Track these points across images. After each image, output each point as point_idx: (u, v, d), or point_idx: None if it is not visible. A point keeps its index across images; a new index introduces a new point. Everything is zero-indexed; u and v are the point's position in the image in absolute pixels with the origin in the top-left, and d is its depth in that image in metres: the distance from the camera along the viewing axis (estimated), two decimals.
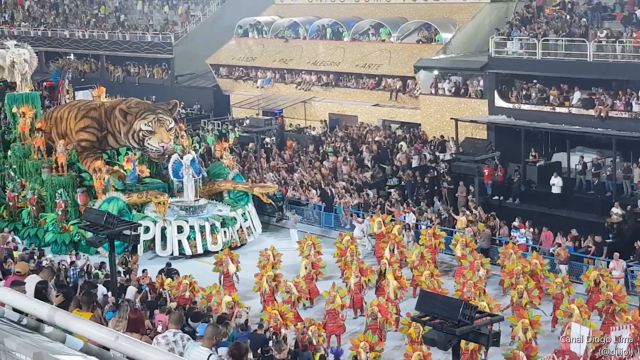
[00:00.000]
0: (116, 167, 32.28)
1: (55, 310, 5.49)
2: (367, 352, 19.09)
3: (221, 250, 27.90)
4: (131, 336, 9.25)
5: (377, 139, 41.27)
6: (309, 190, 35.44)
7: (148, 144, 30.49)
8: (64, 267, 24.19)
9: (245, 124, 46.63)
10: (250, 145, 42.99)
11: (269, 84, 50.59)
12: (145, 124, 30.39)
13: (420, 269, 25.00)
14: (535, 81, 37.63)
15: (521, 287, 22.40)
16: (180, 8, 61.63)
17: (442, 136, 39.91)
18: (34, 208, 31.66)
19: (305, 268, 25.65)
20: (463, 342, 13.77)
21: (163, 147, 30.55)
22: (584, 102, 35.30)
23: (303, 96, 48.29)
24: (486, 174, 34.13)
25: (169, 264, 26.24)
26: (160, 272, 25.29)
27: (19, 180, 32.94)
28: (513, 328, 20.56)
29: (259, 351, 16.63)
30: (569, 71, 35.87)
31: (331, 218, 33.76)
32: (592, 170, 32.89)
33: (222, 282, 25.03)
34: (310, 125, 46.55)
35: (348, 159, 39.03)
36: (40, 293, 11.45)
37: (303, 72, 49.30)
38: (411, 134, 41.56)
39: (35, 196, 31.58)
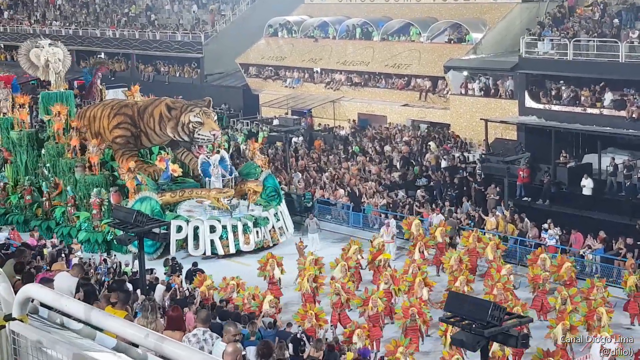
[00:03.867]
0: (152, 164, 32.47)
1: (87, 308, 5.52)
2: (406, 357, 18.99)
3: (256, 250, 27.83)
4: (173, 334, 9.32)
5: (405, 139, 41.18)
6: (337, 190, 35.44)
7: (199, 134, 30.95)
8: (94, 263, 24.41)
9: (274, 124, 46.72)
10: (279, 144, 43.06)
11: (298, 84, 50.66)
12: (194, 116, 30.90)
13: (455, 274, 24.66)
14: (562, 82, 37.36)
15: (565, 294, 22.02)
16: (210, 7, 61.87)
17: (464, 138, 39.94)
18: (70, 208, 31.94)
19: (341, 272, 25.21)
20: None
21: (214, 135, 31.14)
22: (616, 103, 34.99)
23: (332, 96, 48.30)
24: (521, 175, 33.84)
25: (195, 264, 26.30)
26: (188, 272, 25.40)
27: (52, 178, 33.24)
28: (550, 330, 20.38)
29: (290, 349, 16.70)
30: (600, 72, 35.57)
31: (359, 218, 33.72)
32: (624, 171, 32.58)
33: (268, 286, 24.90)
34: (339, 125, 46.55)
35: (375, 159, 38.97)
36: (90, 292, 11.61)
37: (332, 71, 49.32)
38: (440, 135, 41.43)
39: (72, 197, 31.87)
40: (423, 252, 27.21)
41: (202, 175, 32.14)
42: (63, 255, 24.01)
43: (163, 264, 26.82)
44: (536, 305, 23.56)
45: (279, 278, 25.25)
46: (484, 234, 28.51)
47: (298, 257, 26.90)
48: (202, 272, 25.12)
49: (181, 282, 23.47)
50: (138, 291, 18.76)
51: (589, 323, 21.03)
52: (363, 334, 20.28)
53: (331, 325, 22.51)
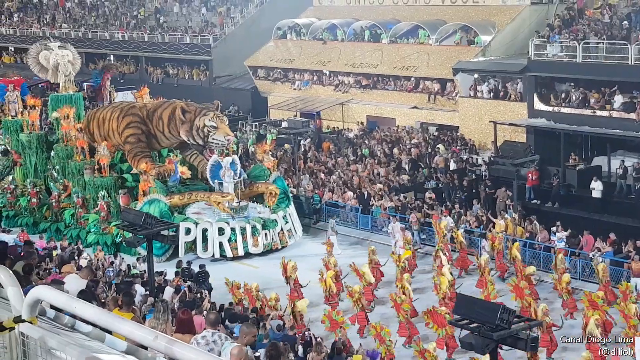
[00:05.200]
0: (164, 164, 32.55)
1: (97, 310, 5.52)
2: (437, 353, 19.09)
3: (265, 252, 27.83)
4: (183, 337, 9.31)
5: (414, 141, 41.12)
6: (346, 192, 35.41)
7: (213, 139, 31.10)
8: (102, 265, 24.46)
9: (282, 126, 46.73)
10: (287, 146, 43.05)
11: (307, 86, 50.66)
12: (209, 120, 31.06)
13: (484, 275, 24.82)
14: (572, 84, 37.26)
15: (601, 294, 22.10)
16: (219, 10, 61.94)
17: (473, 141, 39.98)
18: (79, 210, 32.01)
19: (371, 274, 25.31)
20: None
21: (228, 140, 31.45)
22: (625, 106, 34.89)
23: (341, 98, 48.29)
24: (530, 178, 33.73)
25: (201, 266, 26.30)
26: (196, 275, 25.43)
27: (61, 181, 33.31)
28: (584, 329, 20.39)
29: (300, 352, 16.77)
30: (610, 74, 35.45)
31: (368, 220, 33.69)
32: (633, 174, 32.48)
33: (291, 290, 24.95)
34: (347, 128, 46.54)
35: (384, 161, 38.91)
36: (90, 291, 11.63)
37: (341, 74, 49.32)
38: (449, 137, 41.36)
39: (81, 198, 31.94)
40: (446, 254, 27.22)
41: (209, 177, 32.19)
42: (76, 257, 24.13)
43: (176, 265, 26.78)
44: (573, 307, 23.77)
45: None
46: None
47: (326, 256, 26.98)
48: (207, 274, 25.24)
49: (189, 287, 23.49)
50: (146, 292, 18.82)
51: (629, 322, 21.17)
52: (388, 334, 20.32)
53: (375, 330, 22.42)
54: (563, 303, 24.23)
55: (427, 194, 34.03)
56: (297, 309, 22.04)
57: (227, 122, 32.41)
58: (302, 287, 25.26)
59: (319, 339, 18.18)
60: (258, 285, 23.95)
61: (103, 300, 13.48)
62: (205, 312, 16.98)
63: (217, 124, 31.08)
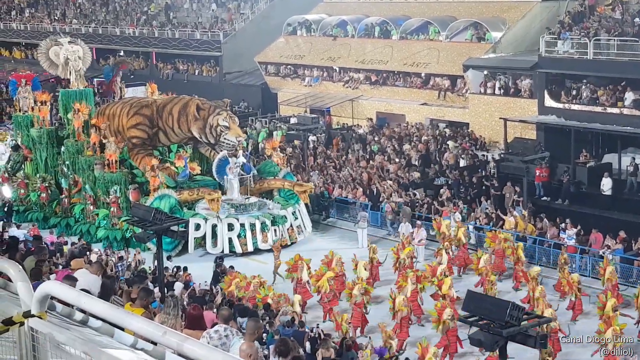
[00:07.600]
0: (167, 164, 32.62)
1: (106, 306, 5.53)
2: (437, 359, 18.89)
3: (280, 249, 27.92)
4: (193, 333, 9.33)
5: (424, 138, 41.04)
6: (357, 189, 35.38)
7: (225, 139, 31.22)
8: (112, 261, 24.55)
9: (291, 122, 46.73)
10: (297, 143, 43.03)
11: (317, 82, 50.63)
12: (223, 119, 31.17)
13: (483, 275, 24.70)
14: (585, 81, 37.12)
15: (613, 301, 21.68)
16: (229, 6, 61.94)
17: (483, 137, 39.91)
18: (90, 205, 32.08)
19: (365, 269, 25.04)
20: None
21: (239, 141, 31.67)
22: (636, 103, 34.74)
23: (351, 94, 48.24)
24: (538, 174, 33.64)
25: (220, 264, 26.34)
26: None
27: (72, 176, 33.39)
28: (598, 335, 20.18)
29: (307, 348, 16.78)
30: (621, 71, 35.32)
31: (377, 217, 33.66)
32: None
33: (295, 288, 24.82)
34: (357, 124, 46.48)
35: (394, 158, 38.85)
36: (108, 288, 11.64)
37: (351, 70, 49.27)
38: (459, 134, 41.25)
39: (92, 193, 32.01)
40: (449, 253, 27.07)
41: (215, 173, 32.23)
42: (88, 252, 24.19)
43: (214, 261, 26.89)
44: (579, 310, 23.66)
45: (308, 280, 25.06)
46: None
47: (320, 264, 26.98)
48: (223, 270, 25.23)
49: (206, 282, 23.55)
50: (156, 289, 18.83)
51: None
52: (387, 334, 20.16)
53: (349, 324, 22.40)
54: (570, 304, 24.03)
55: (442, 191, 33.93)
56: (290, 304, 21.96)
57: (238, 122, 32.48)
58: (309, 288, 25.14)
59: (326, 335, 18.18)
60: (266, 280, 23.99)
61: None
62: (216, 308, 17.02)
63: (229, 124, 31.15)
